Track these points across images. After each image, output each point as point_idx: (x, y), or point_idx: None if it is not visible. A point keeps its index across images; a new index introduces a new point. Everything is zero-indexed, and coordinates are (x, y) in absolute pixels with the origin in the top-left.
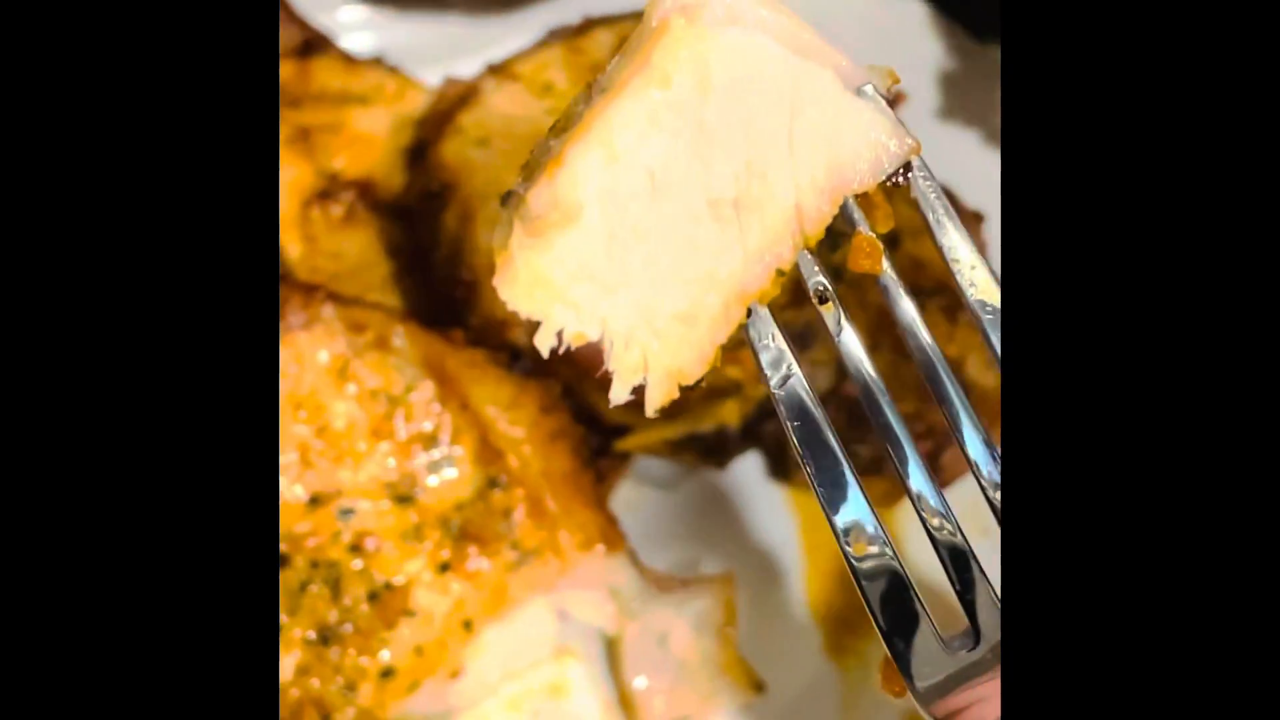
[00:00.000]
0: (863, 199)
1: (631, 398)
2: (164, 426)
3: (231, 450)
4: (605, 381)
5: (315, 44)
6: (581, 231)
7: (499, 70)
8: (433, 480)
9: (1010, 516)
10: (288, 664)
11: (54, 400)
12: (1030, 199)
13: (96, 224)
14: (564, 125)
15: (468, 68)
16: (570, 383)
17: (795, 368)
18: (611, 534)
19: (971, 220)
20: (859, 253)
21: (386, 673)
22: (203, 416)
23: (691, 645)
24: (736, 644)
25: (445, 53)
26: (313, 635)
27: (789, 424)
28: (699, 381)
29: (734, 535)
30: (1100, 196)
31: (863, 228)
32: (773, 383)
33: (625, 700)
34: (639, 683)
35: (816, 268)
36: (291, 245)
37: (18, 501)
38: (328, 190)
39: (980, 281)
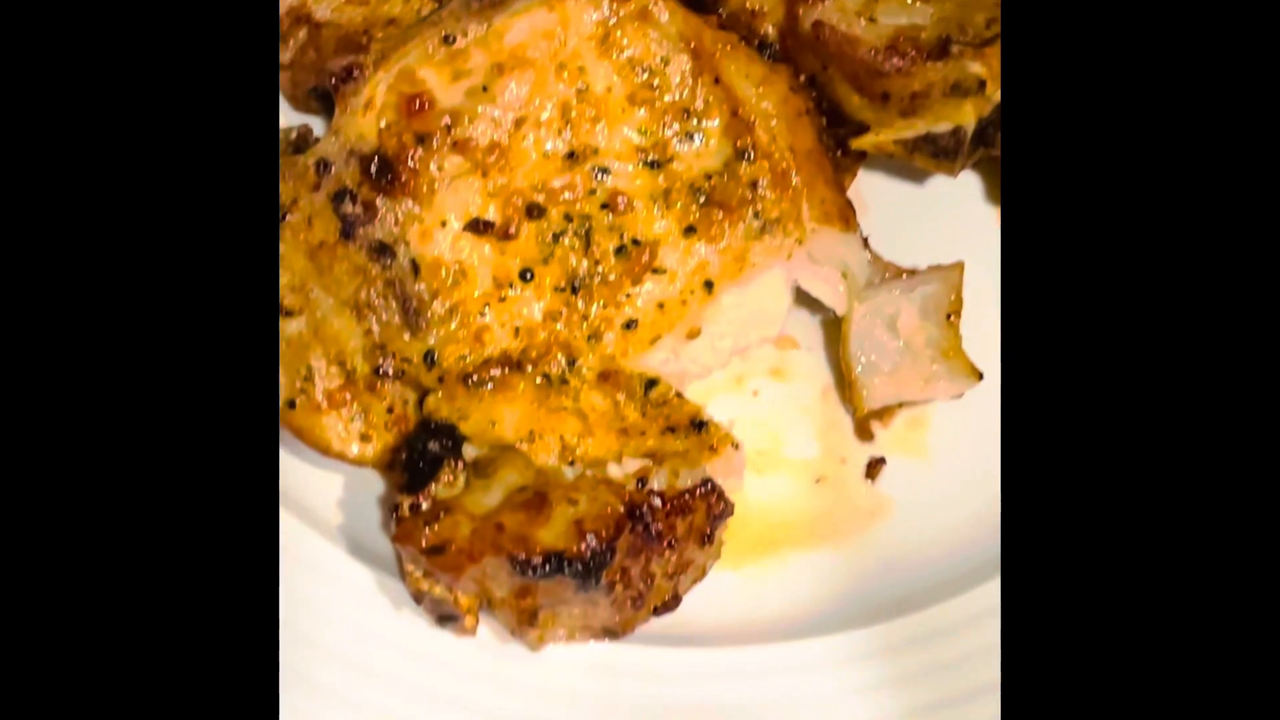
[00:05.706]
0: None
1: None
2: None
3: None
4: (849, 74)
5: None
6: None
7: None
8: (683, 148)
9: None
10: (537, 309)
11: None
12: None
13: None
14: None
15: None
16: (815, 73)
17: None
18: (848, 213)
19: None
20: None
21: (630, 324)
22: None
23: (917, 328)
24: (960, 331)
25: None
26: (562, 284)
27: None
28: None
29: (950, 240)
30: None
31: None
32: None
33: (846, 380)
34: (861, 364)
35: None
36: None
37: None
38: None
39: None
